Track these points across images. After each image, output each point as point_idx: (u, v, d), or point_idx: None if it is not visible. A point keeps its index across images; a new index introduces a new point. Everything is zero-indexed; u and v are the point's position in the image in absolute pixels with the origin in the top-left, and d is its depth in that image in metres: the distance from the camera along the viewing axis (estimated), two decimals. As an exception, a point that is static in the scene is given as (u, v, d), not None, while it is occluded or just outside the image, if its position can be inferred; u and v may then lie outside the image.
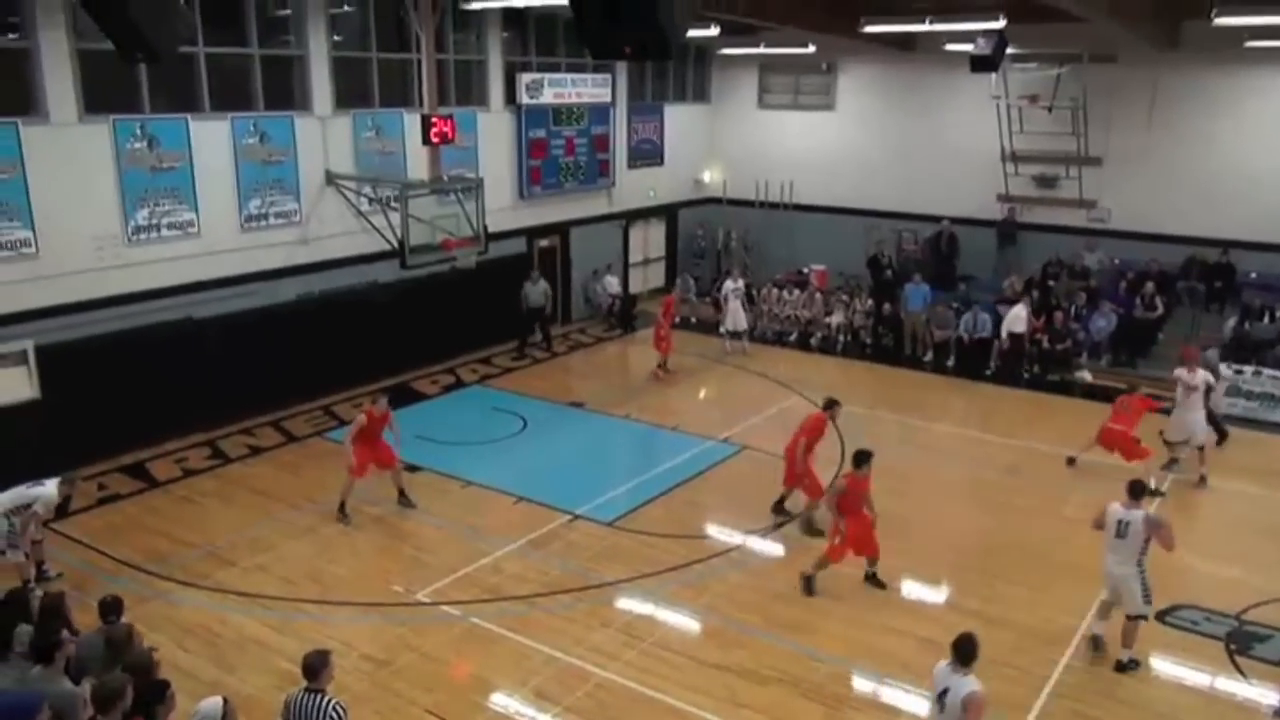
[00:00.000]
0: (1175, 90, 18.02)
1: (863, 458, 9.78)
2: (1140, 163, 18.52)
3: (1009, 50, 16.62)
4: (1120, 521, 8.53)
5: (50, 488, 9.65)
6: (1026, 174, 19.63)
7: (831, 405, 11.39)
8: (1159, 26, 16.95)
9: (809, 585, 9.82)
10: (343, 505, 11.44)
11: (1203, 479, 12.61)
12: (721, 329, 18.81)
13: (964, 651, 6.41)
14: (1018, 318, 16.67)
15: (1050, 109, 18.62)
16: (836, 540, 9.80)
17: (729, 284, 18.86)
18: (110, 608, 6.97)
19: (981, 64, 16.18)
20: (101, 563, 10.40)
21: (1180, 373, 12.75)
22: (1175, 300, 17.77)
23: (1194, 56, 17.49)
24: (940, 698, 6.37)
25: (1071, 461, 13.13)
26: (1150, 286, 17.26)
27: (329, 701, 6.07)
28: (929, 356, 18.05)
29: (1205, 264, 17.91)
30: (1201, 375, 12.66)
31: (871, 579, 10.03)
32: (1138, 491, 8.61)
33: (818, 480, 11.25)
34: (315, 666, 6.19)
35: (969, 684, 6.27)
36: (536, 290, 18.14)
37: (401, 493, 11.76)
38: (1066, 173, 19.18)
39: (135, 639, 6.78)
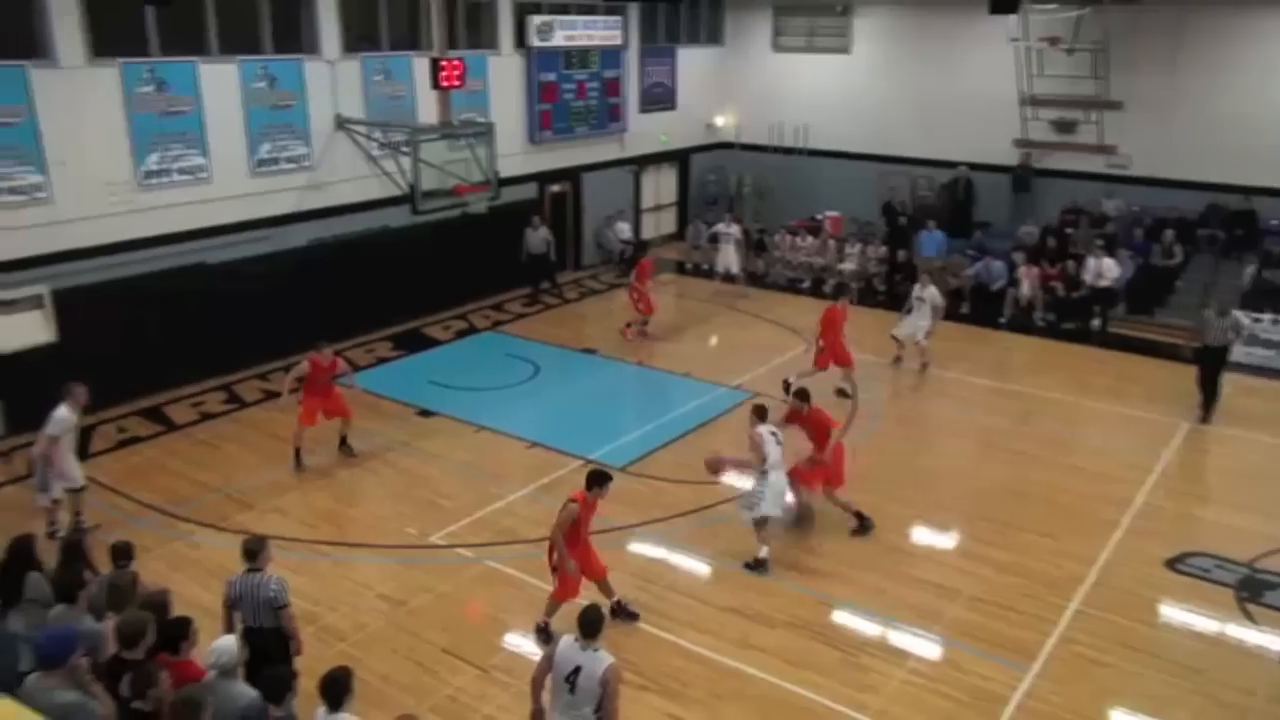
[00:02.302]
0: (1200, 33, 17.64)
1: (596, 479, 8.18)
2: (1162, 107, 18.18)
3: (1030, -10, 16.30)
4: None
5: (60, 408, 9.56)
6: (1045, 119, 19.34)
7: (842, 291, 13.54)
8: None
9: (545, 634, 8.16)
10: (298, 453, 11.44)
11: (925, 366, 14.81)
12: (714, 270, 19.09)
13: (589, 624, 5.80)
14: (1110, 269, 16.43)
15: (1070, 51, 18.27)
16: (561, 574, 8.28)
17: (720, 226, 19.06)
18: (121, 552, 7.07)
19: (1001, 5, 15.87)
20: (124, 505, 10.55)
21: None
22: (1195, 248, 17.58)
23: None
24: (570, 678, 5.74)
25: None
26: (1169, 234, 17.07)
27: (270, 578, 6.67)
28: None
29: (1227, 211, 17.68)
30: (932, 291, 14.77)
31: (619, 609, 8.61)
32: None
33: (845, 351, 13.40)
34: (254, 550, 6.77)
35: (603, 659, 5.73)
36: (537, 237, 18.02)
37: (343, 440, 11.79)
38: (1086, 117, 18.87)
39: (139, 585, 6.88)
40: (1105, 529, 10.14)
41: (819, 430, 10.02)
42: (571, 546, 8.13)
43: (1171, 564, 9.52)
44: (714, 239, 19.46)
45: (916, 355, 14.87)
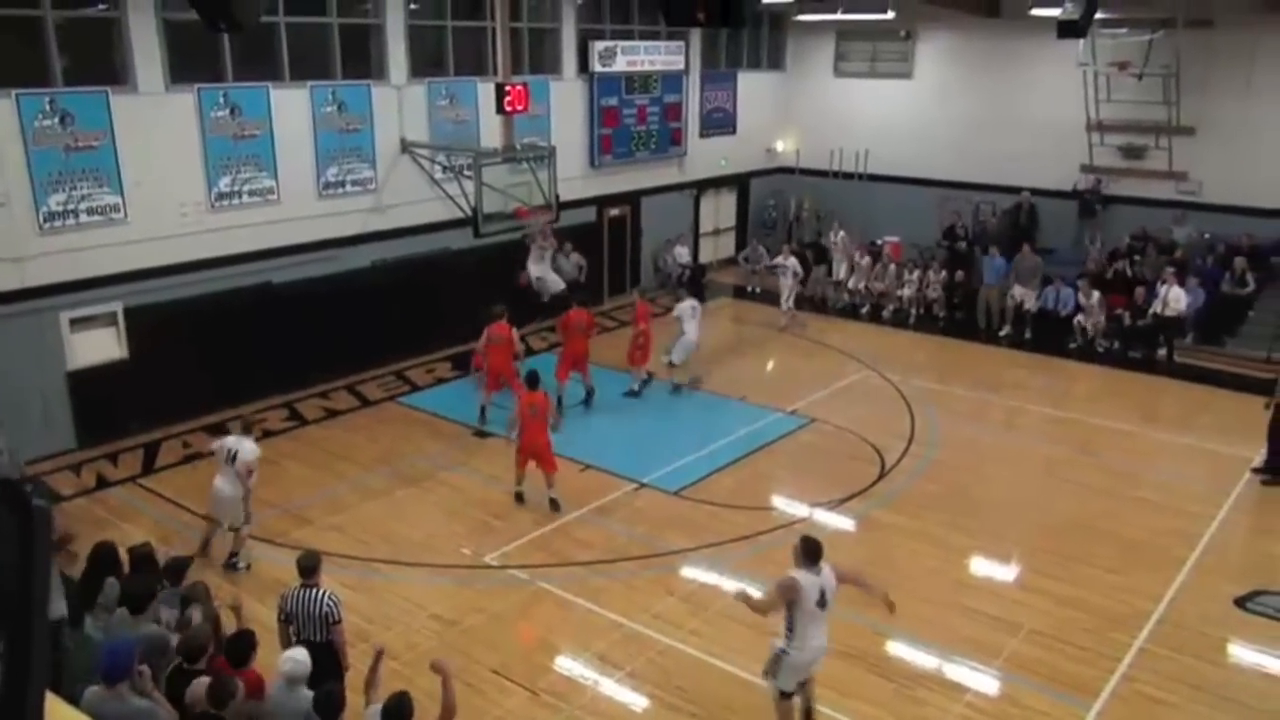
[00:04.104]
0: (1275, 55, 17.20)
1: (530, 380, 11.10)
2: (1236, 132, 17.74)
3: (1098, 15, 16.05)
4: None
5: (247, 440, 9.57)
6: (1112, 144, 18.99)
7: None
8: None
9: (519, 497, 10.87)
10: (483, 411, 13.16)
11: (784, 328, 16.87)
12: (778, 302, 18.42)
13: (813, 551, 6.78)
14: (1178, 298, 16.00)
15: (1140, 76, 17.94)
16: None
17: (779, 259, 18.59)
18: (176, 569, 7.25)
19: (1069, 29, 15.67)
20: (185, 518, 10.78)
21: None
22: (1268, 276, 17.07)
23: (1297, 20, 16.70)
24: (821, 601, 6.66)
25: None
26: (1240, 262, 16.60)
27: (323, 593, 6.73)
28: (1005, 331, 17.66)
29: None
30: (792, 261, 17.00)
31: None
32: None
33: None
34: (310, 566, 6.90)
35: (830, 570, 6.77)
36: (570, 263, 18.13)
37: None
38: (1156, 143, 18.49)
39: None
40: (1172, 565, 9.84)
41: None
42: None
43: (1241, 602, 9.20)
44: (772, 270, 19.20)
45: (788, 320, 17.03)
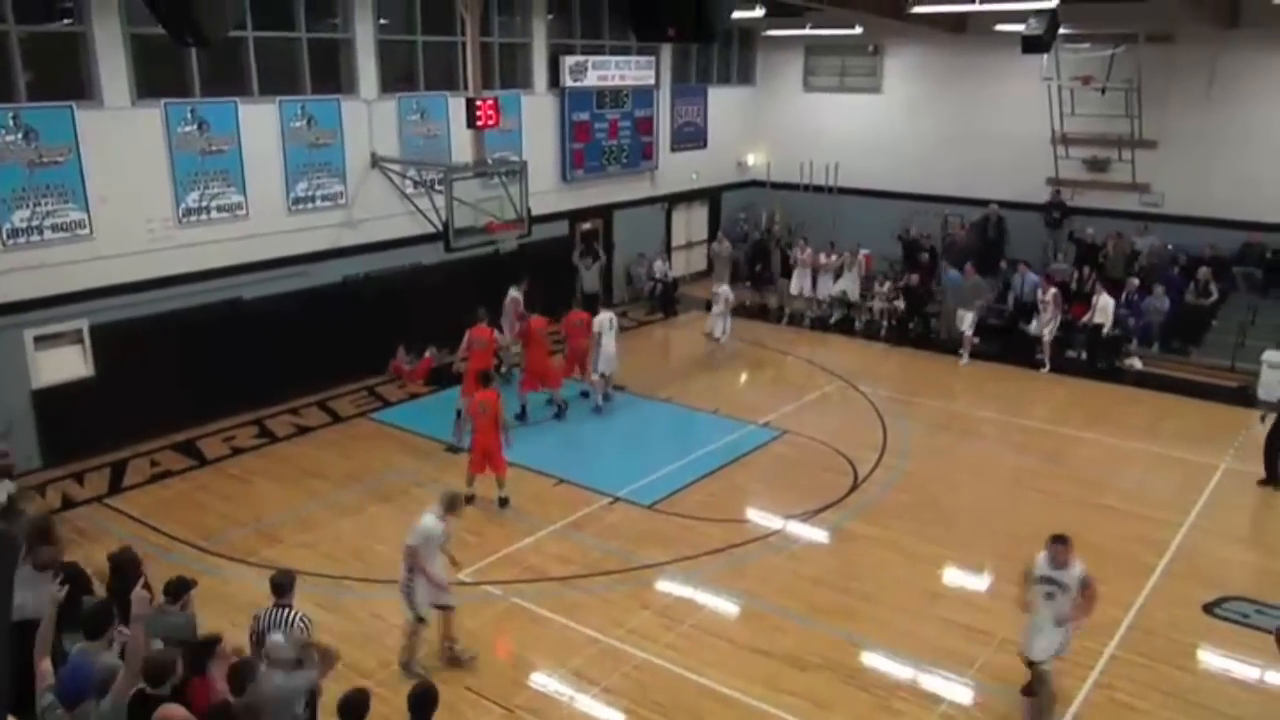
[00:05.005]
0: (1234, 70, 17.55)
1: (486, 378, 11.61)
2: (1196, 145, 18.07)
3: (1061, 30, 16.30)
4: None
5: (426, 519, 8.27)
6: (1077, 157, 19.27)
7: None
8: (1217, 4, 16.52)
9: None
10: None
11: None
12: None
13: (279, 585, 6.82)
14: (1105, 309, 16.20)
15: (1103, 90, 18.24)
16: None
17: (715, 288, 17.26)
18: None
19: (1033, 45, 15.89)
20: (153, 537, 10.62)
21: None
22: (1231, 286, 17.36)
23: (1254, 35, 17.08)
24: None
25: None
26: (1205, 272, 16.87)
27: (295, 614, 6.63)
28: (965, 362, 17.00)
29: (1263, 249, 17.45)
30: (724, 289, 16.68)
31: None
32: None
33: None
34: (284, 585, 6.80)
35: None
36: (590, 274, 18.34)
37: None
38: (1119, 155, 18.78)
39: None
40: (1142, 572, 9.95)
41: None
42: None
43: (1210, 608, 9.31)
44: (708, 305, 17.84)
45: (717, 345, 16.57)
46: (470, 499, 11.30)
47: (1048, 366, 16.45)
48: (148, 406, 12.78)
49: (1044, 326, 16.52)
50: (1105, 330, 16.31)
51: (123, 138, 12.47)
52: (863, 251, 20.43)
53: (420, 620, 8.21)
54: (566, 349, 14.96)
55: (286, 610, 6.69)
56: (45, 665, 5.67)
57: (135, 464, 12.52)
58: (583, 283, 18.40)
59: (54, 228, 11.95)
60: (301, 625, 6.61)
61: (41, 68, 11.93)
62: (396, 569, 9.92)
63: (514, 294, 15.32)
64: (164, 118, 12.84)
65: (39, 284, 11.84)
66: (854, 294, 19.14)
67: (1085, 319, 16.53)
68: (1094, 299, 16.46)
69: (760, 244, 21.47)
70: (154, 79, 12.72)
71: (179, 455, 12.90)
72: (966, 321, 16.99)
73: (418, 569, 8.08)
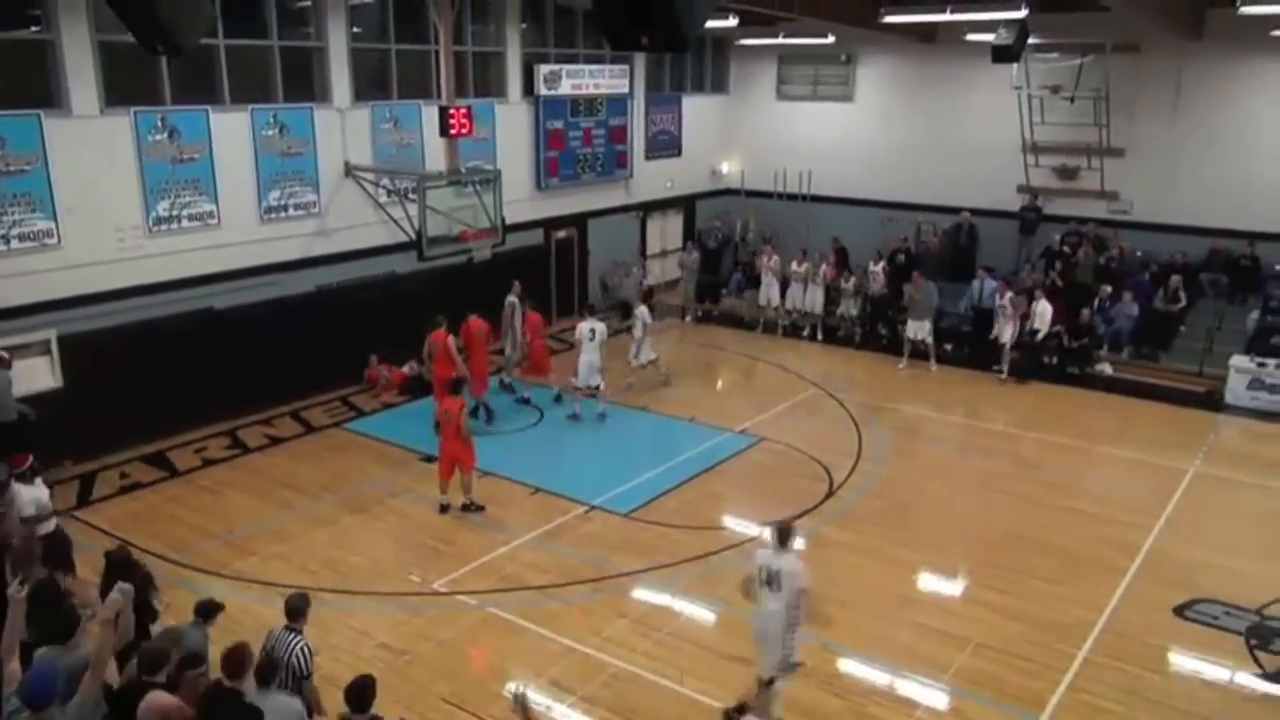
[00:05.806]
0: (1200, 81, 17.83)
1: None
2: (1163, 154, 18.33)
3: (1031, 40, 16.50)
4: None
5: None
6: (1047, 165, 19.49)
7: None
8: (1183, 16, 16.77)
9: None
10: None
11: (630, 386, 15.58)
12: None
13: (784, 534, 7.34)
14: (1044, 315, 16.29)
15: (1072, 99, 18.44)
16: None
17: (582, 324, 14.82)
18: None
19: (1003, 54, 16.05)
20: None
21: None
22: (1198, 292, 17.59)
23: (1219, 46, 17.32)
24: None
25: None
26: (1176, 279, 17.07)
27: (300, 643, 6.47)
28: (934, 367, 17.12)
29: (1230, 255, 17.70)
30: (642, 310, 15.67)
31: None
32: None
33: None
34: (298, 608, 6.65)
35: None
36: (630, 282, 18.73)
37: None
38: (1088, 164, 19.01)
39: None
40: (1113, 575, 10.05)
41: None
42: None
43: (1180, 611, 9.41)
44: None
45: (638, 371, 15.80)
46: (445, 508, 11.31)
47: (1005, 373, 16.48)
48: (117, 418, 12.62)
49: (1003, 332, 16.52)
50: (1040, 336, 16.39)
51: (92, 146, 12.34)
52: (824, 266, 20.28)
53: None
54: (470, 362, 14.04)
55: (295, 637, 6.45)
56: (14, 667, 5.60)
57: (104, 476, 12.37)
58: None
59: (21, 237, 11.81)
60: (301, 655, 6.39)
61: (8, 76, 11.78)
62: (370, 580, 9.96)
63: (511, 299, 15.33)
64: (134, 126, 12.72)
65: (5, 294, 11.68)
66: (817, 308, 19.03)
67: (1028, 325, 16.50)
68: (1032, 305, 16.49)
69: (713, 253, 21.62)
70: (124, 87, 12.61)
71: (149, 467, 12.76)
72: (924, 330, 17.03)
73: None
